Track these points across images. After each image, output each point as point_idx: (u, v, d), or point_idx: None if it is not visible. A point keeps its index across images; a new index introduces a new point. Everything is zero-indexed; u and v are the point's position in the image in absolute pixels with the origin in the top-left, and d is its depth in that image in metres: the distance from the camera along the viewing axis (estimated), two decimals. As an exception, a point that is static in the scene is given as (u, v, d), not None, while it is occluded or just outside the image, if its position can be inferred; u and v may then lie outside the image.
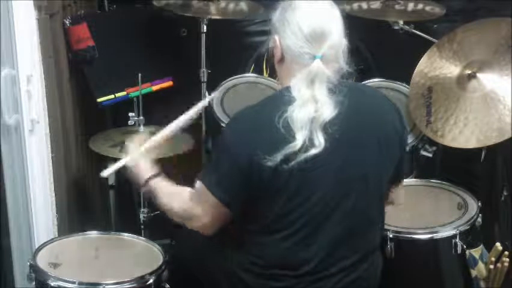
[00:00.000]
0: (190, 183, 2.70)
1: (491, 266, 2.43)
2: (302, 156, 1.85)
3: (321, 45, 1.89)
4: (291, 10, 1.94)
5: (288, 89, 1.91)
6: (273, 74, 2.09)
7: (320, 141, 1.85)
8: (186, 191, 2.09)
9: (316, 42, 1.89)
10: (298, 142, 1.84)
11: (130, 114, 2.86)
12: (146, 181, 2.14)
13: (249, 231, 2.01)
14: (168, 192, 2.11)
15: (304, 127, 1.84)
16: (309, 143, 1.85)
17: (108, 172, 2.23)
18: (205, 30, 3.24)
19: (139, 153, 2.21)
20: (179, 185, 2.13)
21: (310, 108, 1.86)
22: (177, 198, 2.08)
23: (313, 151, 1.85)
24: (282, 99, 1.89)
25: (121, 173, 2.26)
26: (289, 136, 1.85)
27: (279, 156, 1.84)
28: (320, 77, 1.88)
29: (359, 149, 1.94)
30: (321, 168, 1.88)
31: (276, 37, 1.96)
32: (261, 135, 1.89)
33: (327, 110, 1.86)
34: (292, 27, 1.91)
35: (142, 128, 2.86)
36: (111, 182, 3.51)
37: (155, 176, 2.14)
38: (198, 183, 2.01)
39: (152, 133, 2.34)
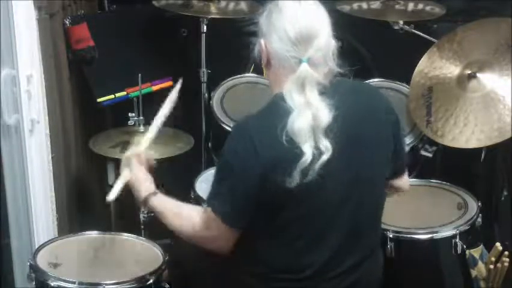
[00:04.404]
0: (189, 183, 2.72)
1: (491, 266, 2.44)
2: (316, 166, 1.82)
3: (307, 48, 1.85)
4: (276, 13, 1.90)
5: (282, 96, 1.88)
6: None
7: (326, 146, 1.82)
8: (194, 211, 2.03)
9: (302, 45, 1.85)
10: (308, 155, 1.80)
11: (130, 114, 2.86)
12: (146, 199, 2.08)
13: (253, 236, 1.98)
14: (174, 211, 2.05)
15: (308, 138, 1.81)
16: (317, 152, 1.82)
17: (113, 195, 2.16)
18: (205, 30, 3.24)
19: (138, 164, 2.16)
20: (181, 202, 2.07)
21: (308, 116, 1.82)
22: (186, 219, 2.01)
23: (324, 157, 1.82)
24: (279, 109, 1.85)
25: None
26: (295, 149, 1.81)
27: (297, 175, 1.80)
28: (309, 80, 1.84)
29: (359, 149, 1.93)
30: (329, 172, 1.86)
31: (262, 41, 1.93)
32: (267, 153, 1.84)
33: (324, 115, 1.83)
34: (278, 31, 1.88)
35: (142, 128, 2.86)
36: (111, 182, 3.51)
37: (153, 194, 2.09)
38: (207, 209, 1.95)
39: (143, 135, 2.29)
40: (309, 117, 1.82)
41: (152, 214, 2.80)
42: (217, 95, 3.16)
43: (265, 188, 1.85)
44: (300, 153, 1.81)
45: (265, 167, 1.83)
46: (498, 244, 2.44)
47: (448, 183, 2.76)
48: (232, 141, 1.94)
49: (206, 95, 3.31)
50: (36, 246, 2.45)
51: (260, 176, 1.84)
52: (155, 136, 2.29)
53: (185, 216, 2.03)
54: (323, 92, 1.87)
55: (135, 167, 2.17)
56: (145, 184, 2.12)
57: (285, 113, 1.84)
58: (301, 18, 1.88)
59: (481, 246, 2.53)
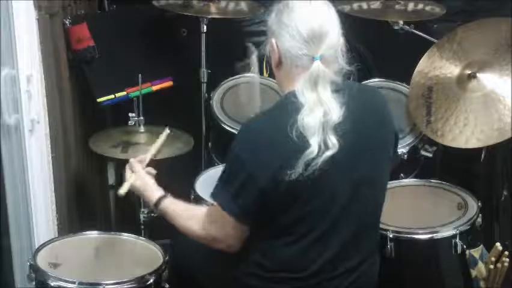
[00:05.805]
0: (189, 183, 2.72)
1: (491, 266, 2.43)
2: (320, 160, 1.83)
3: (319, 46, 1.87)
4: (287, 12, 1.91)
5: (294, 94, 1.88)
6: (272, 74, 2.07)
7: (333, 142, 1.84)
8: (202, 212, 2.05)
9: (315, 43, 1.87)
10: (314, 148, 1.82)
11: (130, 114, 2.85)
12: (157, 203, 2.11)
13: (258, 235, 1.99)
14: (183, 214, 2.08)
15: (317, 132, 1.83)
16: (324, 146, 1.84)
17: (124, 189, 2.20)
18: (205, 30, 3.24)
19: (144, 171, 2.22)
20: (189, 203, 2.11)
21: (319, 112, 1.83)
22: (195, 220, 2.04)
23: (328, 153, 1.83)
24: (289, 106, 1.86)
25: (122, 175, 2.26)
26: (304, 143, 1.83)
27: (300, 166, 1.82)
28: (322, 78, 1.86)
29: (365, 150, 1.94)
30: (334, 170, 1.87)
31: (273, 40, 1.93)
32: (277, 149, 1.85)
33: (335, 113, 1.84)
34: (289, 29, 1.88)
35: (142, 128, 2.86)
36: (111, 182, 3.51)
37: (164, 197, 2.12)
38: (214, 204, 1.97)
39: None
40: (320, 114, 1.84)
41: (153, 214, 2.81)
42: (217, 95, 3.16)
43: (274, 186, 1.85)
44: (307, 146, 1.82)
45: (274, 165, 1.84)
46: (498, 244, 2.43)
47: (448, 183, 2.76)
48: (243, 140, 1.95)
49: (206, 95, 3.31)
50: (36, 246, 2.45)
51: (269, 174, 1.85)
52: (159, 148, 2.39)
53: (195, 217, 2.04)
54: (336, 90, 1.88)
55: (141, 172, 2.21)
56: (154, 188, 2.15)
57: (296, 110, 1.85)
58: (313, 16, 1.89)
59: (481, 246, 2.52)
